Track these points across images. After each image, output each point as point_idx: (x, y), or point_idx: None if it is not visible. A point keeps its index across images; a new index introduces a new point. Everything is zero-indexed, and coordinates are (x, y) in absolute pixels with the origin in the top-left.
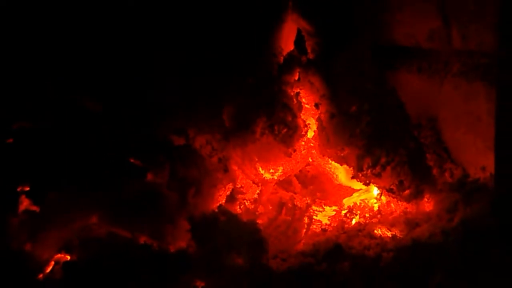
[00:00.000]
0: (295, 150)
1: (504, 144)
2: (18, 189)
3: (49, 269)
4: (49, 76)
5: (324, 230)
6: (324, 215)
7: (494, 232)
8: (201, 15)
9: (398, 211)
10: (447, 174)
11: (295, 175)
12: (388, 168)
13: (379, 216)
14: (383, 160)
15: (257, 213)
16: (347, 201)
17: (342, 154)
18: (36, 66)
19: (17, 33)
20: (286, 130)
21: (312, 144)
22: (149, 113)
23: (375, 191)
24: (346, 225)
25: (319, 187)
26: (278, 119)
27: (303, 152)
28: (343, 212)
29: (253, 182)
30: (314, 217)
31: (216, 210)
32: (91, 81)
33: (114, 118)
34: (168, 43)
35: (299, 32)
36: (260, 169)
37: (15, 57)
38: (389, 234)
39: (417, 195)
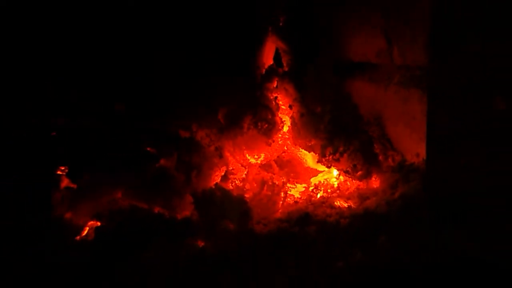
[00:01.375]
0: (273, 141)
1: (432, 136)
2: (60, 171)
3: (84, 233)
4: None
5: (296, 202)
6: (296, 191)
7: (424, 203)
8: (196, 37)
9: (352, 188)
10: (390, 160)
11: (274, 160)
12: (345, 155)
13: (338, 191)
14: (341, 148)
15: (244, 189)
16: (314, 180)
17: (310, 144)
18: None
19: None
20: (267, 126)
21: (287, 136)
22: (162, 113)
23: (335, 172)
24: (313, 198)
25: (292, 169)
26: (261, 117)
27: (280, 142)
28: (311, 188)
29: (242, 165)
30: (289, 192)
31: (213, 187)
32: (117, 84)
33: (135, 117)
34: (173, 54)
35: (277, 50)
36: (247, 155)
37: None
38: (345, 205)
39: (367, 175)
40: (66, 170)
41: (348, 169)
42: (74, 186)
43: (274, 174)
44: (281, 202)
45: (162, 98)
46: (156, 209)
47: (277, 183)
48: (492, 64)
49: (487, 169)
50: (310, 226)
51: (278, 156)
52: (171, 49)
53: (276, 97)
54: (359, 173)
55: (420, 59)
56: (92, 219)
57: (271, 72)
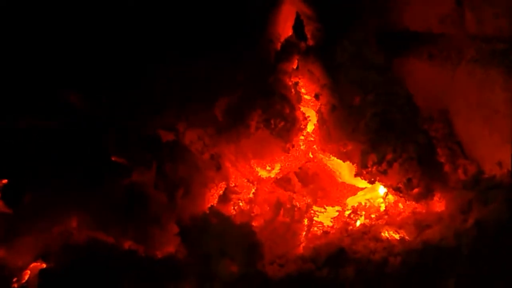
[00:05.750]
0: (293, 146)
1: None
2: None
3: (24, 279)
4: (29, 71)
5: (325, 233)
6: (326, 216)
7: (511, 234)
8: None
9: (406, 212)
10: (460, 171)
11: (295, 172)
12: (395, 164)
13: (386, 217)
14: (389, 156)
15: (252, 214)
16: (351, 201)
17: (344, 150)
18: (19, 63)
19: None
20: (284, 124)
21: (312, 139)
22: (134, 105)
23: (381, 189)
24: (350, 227)
25: (320, 186)
26: (274, 112)
27: (302, 147)
28: (347, 212)
29: (248, 181)
30: (315, 218)
31: (208, 211)
32: (72, 74)
33: (95, 111)
34: (156, 28)
35: (297, 16)
36: (256, 166)
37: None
38: (396, 236)
39: (427, 194)
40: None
41: (399, 185)
42: (9, 211)
43: (294, 192)
44: (304, 232)
45: (133, 84)
46: (126, 244)
47: (298, 205)
48: None
49: None
50: (346, 267)
51: (300, 167)
52: (157, 14)
53: (296, 83)
54: (416, 190)
55: (505, 26)
56: (35, 260)
57: (290, 48)
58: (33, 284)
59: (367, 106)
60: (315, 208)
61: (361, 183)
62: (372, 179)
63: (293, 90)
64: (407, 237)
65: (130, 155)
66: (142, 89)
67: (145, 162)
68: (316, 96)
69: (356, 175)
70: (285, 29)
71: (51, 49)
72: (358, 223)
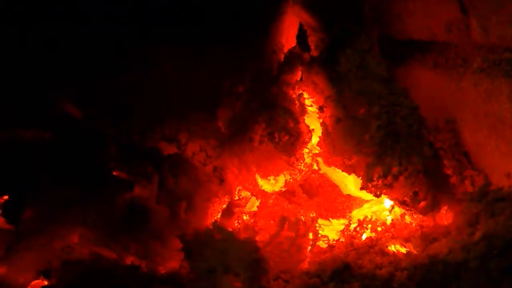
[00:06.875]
0: (297, 159)
1: None
2: None
3: None
4: (27, 82)
5: (331, 247)
6: (331, 230)
7: None
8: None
9: (413, 225)
10: (467, 182)
11: (299, 185)
12: (401, 178)
13: (392, 230)
14: (395, 169)
15: (256, 228)
16: (357, 214)
17: (349, 163)
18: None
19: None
20: (288, 138)
21: (317, 152)
22: (135, 117)
23: (387, 203)
24: (356, 241)
25: (325, 198)
26: (278, 125)
27: (307, 160)
28: (352, 226)
29: (252, 194)
30: (320, 232)
31: (211, 226)
32: (70, 84)
33: (95, 123)
34: (158, 35)
35: (301, 26)
36: (260, 179)
37: None
38: (403, 250)
39: (433, 206)
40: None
41: (406, 198)
42: (10, 227)
43: (299, 206)
44: (309, 247)
45: (135, 96)
46: (129, 260)
47: (303, 219)
48: None
49: None
50: (352, 283)
51: (304, 180)
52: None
53: (300, 95)
54: (422, 204)
55: (510, 34)
56: (36, 277)
57: (293, 59)
58: None
59: (372, 118)
60: (320, 221)
61: (367, 195)
62: (378, 193)
63: (297, 102)
64: (414, 251)
65: (131, 169)
66: (142, 99)
67: (147, 176)
68: (321, 109)
69: (361, 189)
70: (288, 39)
71: (47, 59)
72: (364, 236)
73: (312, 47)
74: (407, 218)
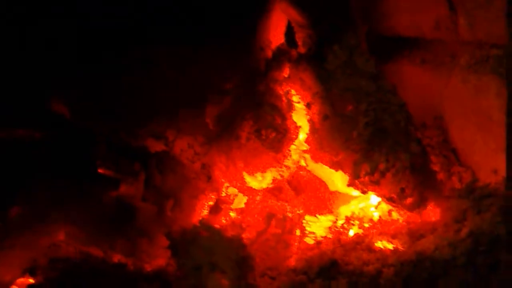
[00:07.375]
0: (284, 156)
1: None
2: None
3: None
4: (13, 79)
5: (318, 244)
6: (318, 226)
7: (507, 244)
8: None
9: (400, 221)
10: (454, 179)
11: (286, 182)
12: (388, 174)
13: (379, 226)
14: (382, 166)
15: (243, 225)
16: (344, 210)
17: (336, 160)
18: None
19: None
20: (275, 135)
21: (304, 148)
22: (121, 114)
23: (374, 199)
24: (343, 237)
25: (312, 194)
26: (265, 122)
27: (294, 157)
28: (340, 222)
29: (239, 191)
30: (308, 228)
31: (198, 224)
32: (56, 83)
33: (80, 121)
34: (143, 34)
35: (288, 23)
36: (247, 176)
37: None
38: (390, 247)
39: (420, 203)
40: None
41: (392, 195)
42: None
43: (286, 202)
44: (296, 243)
45: (121, 92)
46: (115, 258)
47: (290, 215)
48: None
49: None
50: (339, 279)
51: (291, 177)
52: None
53: (287, 92)
54: (409, 200)
55: (498, 32)
56: (22, 274)
57: (280, 55)
58: None
59: (360, 115)
60: (307, 217)
61: (354, 191)
62: (365, 189)
63: (284, 98)
64: (400, 247)
65: (117, 166)
66: (129, 96)
67: (133, 173)
68: (308, 105)
69: (348, 185)
70: (276, 36)
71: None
72: (351, 233)
73: (300, 43)
74: (394, 215)
